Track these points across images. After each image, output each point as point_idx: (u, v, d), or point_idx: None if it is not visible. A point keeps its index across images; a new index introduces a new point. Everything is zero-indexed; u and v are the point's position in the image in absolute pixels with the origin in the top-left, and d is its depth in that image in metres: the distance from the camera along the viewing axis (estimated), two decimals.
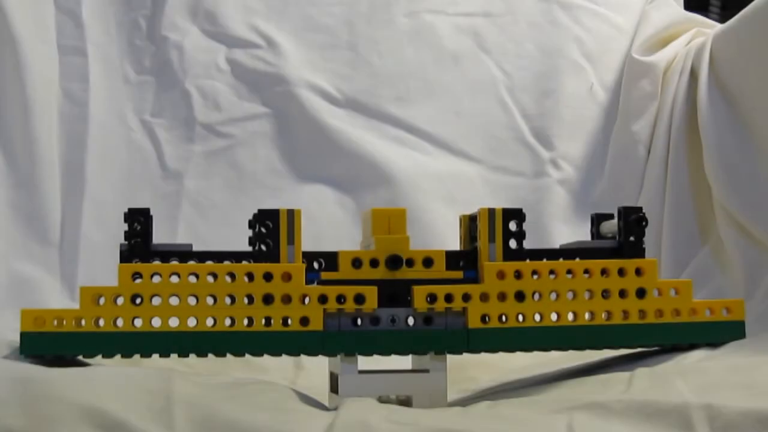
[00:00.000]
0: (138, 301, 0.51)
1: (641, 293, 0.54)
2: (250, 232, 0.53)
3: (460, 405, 0.52)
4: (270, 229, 0.52)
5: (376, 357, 0.52)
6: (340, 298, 0.51)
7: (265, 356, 0.52)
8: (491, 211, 0.53)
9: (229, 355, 0.52)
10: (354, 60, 0.97)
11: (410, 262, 0.52)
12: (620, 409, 0.43)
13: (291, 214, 0.52)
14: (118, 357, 0.51)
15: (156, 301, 0.51)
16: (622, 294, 0.54)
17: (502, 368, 0.66)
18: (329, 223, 0.90)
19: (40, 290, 0.83)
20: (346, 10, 0.99)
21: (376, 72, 0.96)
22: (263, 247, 0.52)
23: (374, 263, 0.52)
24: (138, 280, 0.51)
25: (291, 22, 0.98)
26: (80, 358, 0.53)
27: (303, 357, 0.68)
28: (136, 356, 0.51)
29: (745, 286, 0.71)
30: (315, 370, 0.67)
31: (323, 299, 0.51)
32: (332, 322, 0.51)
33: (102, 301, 0.51)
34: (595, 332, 0.53)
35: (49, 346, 0.50)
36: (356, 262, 0.52)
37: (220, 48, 0.96)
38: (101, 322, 0.50)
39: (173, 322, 0.51)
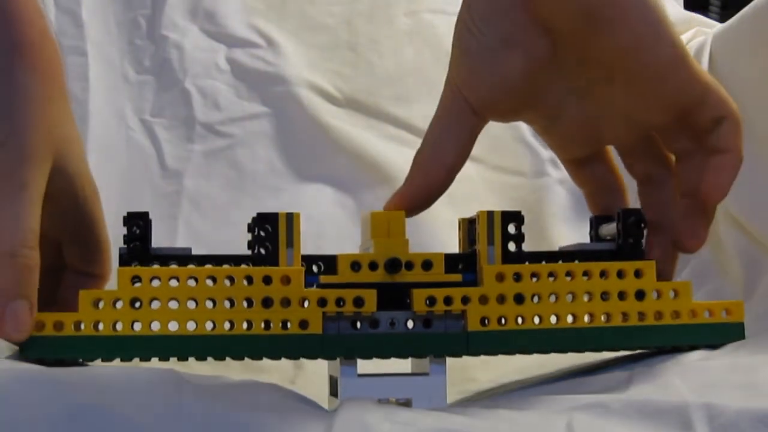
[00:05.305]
0: (137, 305, 0.51)
1: (640, 295, 0.54)
2: (249, 234, 0.53)
3: (460, 406, 0.53)
4: (269, 232, 0.52)
5: (375, 360, 0.52)
6: (339, 302, 0.51)
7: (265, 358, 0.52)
8: (490, 214, 0.53)
9: (227, 358, 0.51)
10: (354, 60, 0.97)
11: (409, 265, 0.52)
12: (619, 408, 0.43)
13: (290, 217, 0.52)
14: (117, 360, 0.51)
15: (155, 304, 0.51)
16: (622, 296, 0.54)
17: (501, 369, 0.66)
18: (329, 223, 0.90)
19: None
20: (346, 9, 0.99)
21: (376, 72, 0.96)
22: (262, 251, 0.52)
23: (373, 266, 0.52)
24: (137, 284, 0.51)
25: (291, 21, 0.98)
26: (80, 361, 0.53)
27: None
28: (136, 360, 0.51)
29: (745, 286, 0.71)
30: (315, 370, 0.67)
31: (322, 302, 0.51)
32: (331, 326, 0.51)
33: (101, 305, 0.51)
34: (594, 334, 0.53)
35: (49, 350, 0.50)
36: (355, 266, 0.52)
37: (220, 48, 0.96)
38: (100, 326, 0.50)
39: (172, 326, 0.51)
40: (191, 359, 0.51)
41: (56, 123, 0.56)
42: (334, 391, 0.53)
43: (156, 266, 0.52)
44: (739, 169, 0.55)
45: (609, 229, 0.56)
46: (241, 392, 0.47)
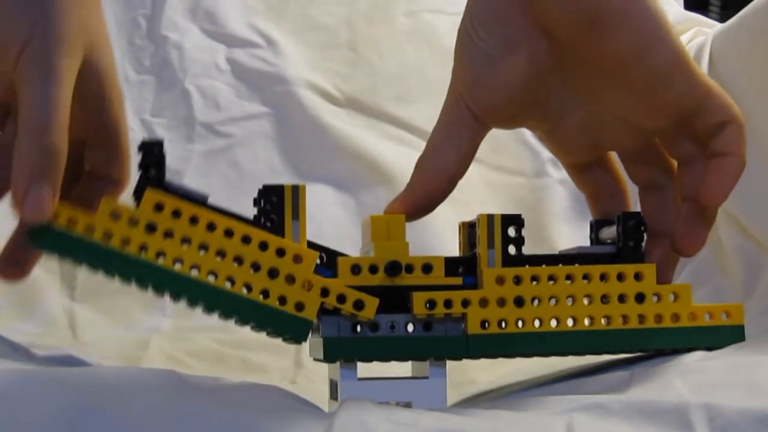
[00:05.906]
0: (152, 231, 0.49)
1: (640, 298, 0.54)
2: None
3: (460, 406, 0.53)
4: (274, 204, 0.51)
5: (375, 363, 0.52)
6: (341, 298, 0.51)
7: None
8: (490, 218, 0.53)
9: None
10: (354, 60, 0.97)
11: (409, 268, 0.52)
12: (619, 409, 0.43)
13: (296, 189, 0.52)
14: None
15: (168, 238, 0.50)
16: (622, 299, 0.54)
17: (501, 370, 0.66)
18: (329, 223, 0.90)
19: (40, 290, 0.83)
20: (345, 9, 0.99)
21: (376, 72, 0.96)
22: (268, 224, 0.51)
23: (373, 269, 0.52)
24: (158, 212, 0.50)
25: (291, 21, 0.98)
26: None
27: (303, 356, 0.68)
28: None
29: (745, 286, 0.71)
30: (315, 370, 0.67)
31: (325, 292, 0.51)
32: (331, 329, 0.51)
33: (119, 218, 0.50)
34: (594, 337, 0.53)
35: (55, 243, 0.49)
36: (355, 269, 0.52)
37: (220, 47, 0.97)
38: (110, 238, 0.49)
39: (176, 265, 0.50)
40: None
41: (89, 14, 0.54)
42: (334, 395, 0.53)
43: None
44: (741, 173, 0.55)
45: (609, 232, 0.56)
46: (240, 393, 0.47)
